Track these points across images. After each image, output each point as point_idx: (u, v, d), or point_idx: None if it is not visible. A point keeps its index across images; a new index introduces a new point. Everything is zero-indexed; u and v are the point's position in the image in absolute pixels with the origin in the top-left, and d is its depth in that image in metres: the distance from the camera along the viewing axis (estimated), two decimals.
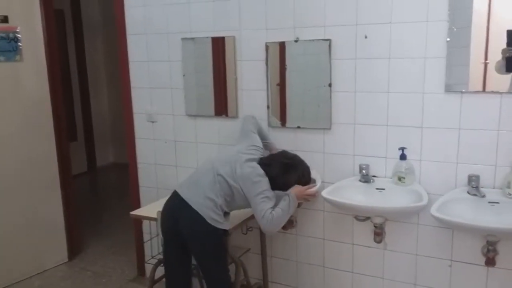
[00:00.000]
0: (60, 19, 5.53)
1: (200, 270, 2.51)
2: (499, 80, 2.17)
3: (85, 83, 6.31)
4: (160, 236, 2.55)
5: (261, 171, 2.31)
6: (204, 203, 2.28)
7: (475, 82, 2.22)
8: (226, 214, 2.36)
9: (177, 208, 2.34)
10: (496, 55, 2.16)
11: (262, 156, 2.43)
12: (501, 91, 2.18)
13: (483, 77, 2.19)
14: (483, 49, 2.17)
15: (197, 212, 2.26)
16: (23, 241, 3.43)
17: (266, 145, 2.63)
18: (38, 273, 3.53)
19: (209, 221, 2.26)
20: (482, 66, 2.18)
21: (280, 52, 2.65)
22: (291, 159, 2.40)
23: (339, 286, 2.77)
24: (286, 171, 2.35)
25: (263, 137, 2.62)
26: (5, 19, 3.21)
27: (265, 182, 2.28)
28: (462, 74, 2.24)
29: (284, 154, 2.44)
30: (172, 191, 2.45)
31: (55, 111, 3.54)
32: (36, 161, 3.46)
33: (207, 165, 2.43)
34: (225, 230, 2.35)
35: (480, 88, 2.21)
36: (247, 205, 2.34)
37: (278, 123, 2.74)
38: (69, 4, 5.93)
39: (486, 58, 2.18)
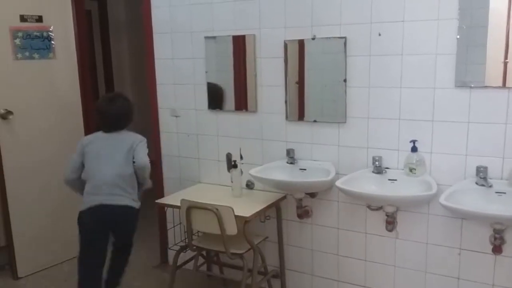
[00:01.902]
0: (88, 19, 5.75)
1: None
2: None
3: (111, 80, 6.50)
4: (183, 224, 2.72)
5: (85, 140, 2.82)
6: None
7: (492, 78, 2.29)
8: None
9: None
10: None
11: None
12: None
13: (503, 74, 2.26)
14: (503, 48, 2.25)
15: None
16: (55, 230, 3.62)
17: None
18: (68, 260, 3.69)
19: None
20: (502, 64, 2.25)
21: (299, 49, 2.78)
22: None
23: (352, 273, 2.87)
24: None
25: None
26: (39, 19, 3.41)
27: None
28: (475, 70, 2.33)
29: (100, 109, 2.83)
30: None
31: (85, 107, 3.73)
32: (67, 154, 3.61)
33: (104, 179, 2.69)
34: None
35: (499, 84, 2.28)
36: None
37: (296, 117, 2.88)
38: (96, 5, 6.16)
39: (506, 57, 2.25)
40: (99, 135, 2.81)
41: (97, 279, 2.74)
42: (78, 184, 2.80)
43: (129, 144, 2.74)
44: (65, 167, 2.82)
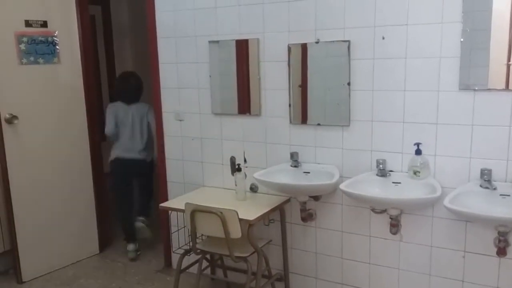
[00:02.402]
0: (92, 24, 5.78)
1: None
2: None
3: (114, 85, 6.53)
4: (187, 227, 2.74)
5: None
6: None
7: (495, 81, 2.30)
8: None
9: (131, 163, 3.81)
10: None
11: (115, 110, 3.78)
12: None
13: (506, 77, 2.27)
14: (506, 50, 2.25)
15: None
16: (59, 234, 3.64)
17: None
18: (72, 263, 3.73)
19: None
20: (505, 67, 2.26)
21: (302, 53, 2.79)
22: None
23: (356, 276, 2.87)
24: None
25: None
26: (44, 24, 3.43)
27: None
28: (478, 73, 2.33)
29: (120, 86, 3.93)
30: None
31: (89, 112, 3.76)
32: (71, 158, 3.67)
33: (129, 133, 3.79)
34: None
35: (503, 87, 2.28)
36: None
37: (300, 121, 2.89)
38: (100, 9, 6.20)
39: (509, 60, 2.26)
40: (121, 105, 3.77)
41: (126, 202, 3.87)
42: (116, 134, 3.79)
43: (144, 113, 3.79)
44: (106, 126, 3.76)
